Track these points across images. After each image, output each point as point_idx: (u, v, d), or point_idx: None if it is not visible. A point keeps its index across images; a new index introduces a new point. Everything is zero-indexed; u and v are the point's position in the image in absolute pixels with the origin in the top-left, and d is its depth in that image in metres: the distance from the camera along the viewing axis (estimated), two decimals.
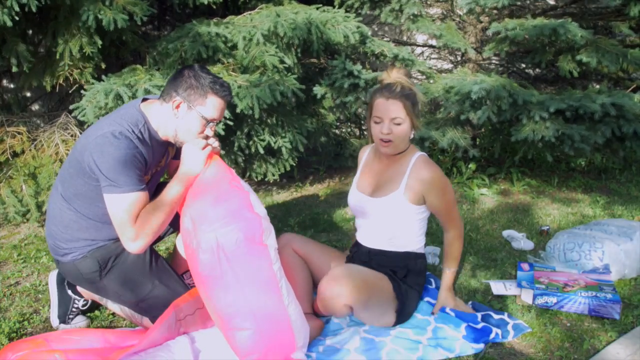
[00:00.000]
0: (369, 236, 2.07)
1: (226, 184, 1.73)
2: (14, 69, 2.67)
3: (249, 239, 1.63)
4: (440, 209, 1.98)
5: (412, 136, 1.97)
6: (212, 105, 1.77)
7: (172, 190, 1.76)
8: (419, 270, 2.06)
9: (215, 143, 1.84)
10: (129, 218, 1.69)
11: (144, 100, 1.86)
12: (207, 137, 1.82)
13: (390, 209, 1.96)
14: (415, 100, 1.92)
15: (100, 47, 2.71)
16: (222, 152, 3.07)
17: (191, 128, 1.79)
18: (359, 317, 1.97)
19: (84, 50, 2.67)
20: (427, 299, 2.18)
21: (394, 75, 1.94)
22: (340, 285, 1.80)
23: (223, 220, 1.63)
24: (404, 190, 1.94)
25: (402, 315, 2.00)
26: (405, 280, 2.01)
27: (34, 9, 2.39)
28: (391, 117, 1.88)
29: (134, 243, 1.70)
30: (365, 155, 2.19)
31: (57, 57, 2.72)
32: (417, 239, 2.04)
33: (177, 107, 1.77)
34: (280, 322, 1.64)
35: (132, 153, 1.69)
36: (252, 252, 1.63)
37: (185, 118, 1.77)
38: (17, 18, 2.40)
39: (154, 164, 1.88)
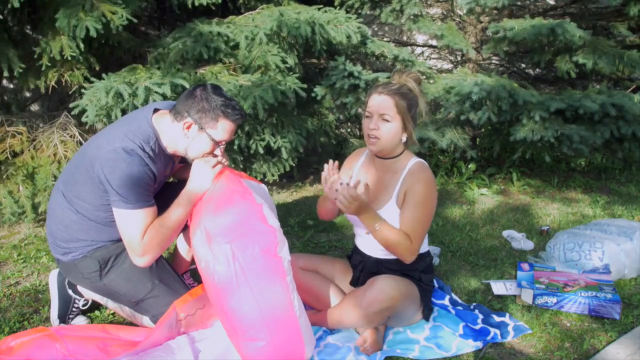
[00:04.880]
0: (373, 246, 1.98)
1: (238, 197, 1.75)
2: (5, 74, 2.66)
3: (264, 252, 1.64)
4: (405, 215, 1.84)
5: (403, 139, 1.86)
6: (222, 129, 1.79)
7: (179, 208, 1.79)
8: (429, 268, 2.02)
9: (225, 160, 1.87)
10: (137, 233, 1.72)
11: (155, 110, 1.85)
12: (216, 156, 1.85)
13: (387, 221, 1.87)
14: (412, 102, 1.84)
15: (82, 50, 2.64)
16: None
17: (201, 148, 1.82)
18: (389, 323, 1.96)
19: (63, 53, 2.61)
20: None
21: (402, 78, 1.88)
22: (385, 295, 1.80)
23: (238, 232, 1.65)
24: (396, 198, 1.86)
25: (426, 314, 2.02)
26: (421, 281, 1.98)
27: (16, 5, 2.35)
28: (380, 113, 1.81)
29: (141, 258, 1.74)
30: (361, 158, 2.06)
31: (44, 57, 2.68)
32: None
33: (188, 127, 1.78)
34: (292, 334, 1.65)
35: (143, 170, 1.71)
36: (267, 264, 1.64)
37: (196, 139, 1.80)
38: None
39: (161, 175, 1.90)
